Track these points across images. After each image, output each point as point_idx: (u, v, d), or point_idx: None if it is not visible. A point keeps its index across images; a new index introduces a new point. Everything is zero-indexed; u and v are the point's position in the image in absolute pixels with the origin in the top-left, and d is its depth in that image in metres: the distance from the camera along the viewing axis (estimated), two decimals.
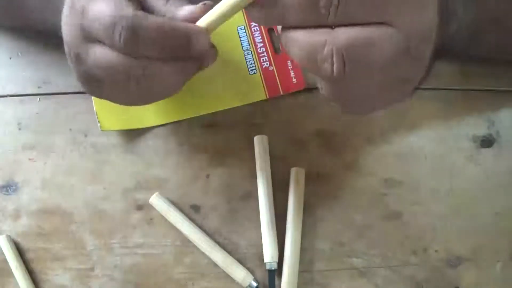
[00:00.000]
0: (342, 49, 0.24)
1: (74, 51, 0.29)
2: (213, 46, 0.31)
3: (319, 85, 0.29)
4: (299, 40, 0.25)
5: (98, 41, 0.28)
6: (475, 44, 0.39)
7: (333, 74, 0.25)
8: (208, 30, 0.28)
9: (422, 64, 0.27)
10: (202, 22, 0.28)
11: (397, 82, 0.27)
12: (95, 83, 0.30)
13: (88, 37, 0.28)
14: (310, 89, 0.43)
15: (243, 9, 0.27)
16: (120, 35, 0.26)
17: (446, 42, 0.31)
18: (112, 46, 0.27)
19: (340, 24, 0.24)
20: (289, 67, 0.43)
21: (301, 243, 0.39)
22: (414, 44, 0.25)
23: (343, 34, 0.24)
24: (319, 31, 0.25)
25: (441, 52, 0.29)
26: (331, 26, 0.25)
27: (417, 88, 0.29)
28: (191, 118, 0.43)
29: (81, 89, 0.42)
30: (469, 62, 0.42)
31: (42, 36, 0.41)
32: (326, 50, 0.24)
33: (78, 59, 0.29)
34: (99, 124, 0.42)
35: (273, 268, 0.38)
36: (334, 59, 0.24)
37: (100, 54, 0.28)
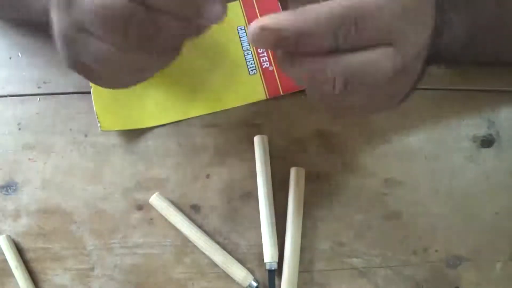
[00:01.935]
0: (346, 73, 0.24)
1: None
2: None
3: (306, 90, 0.29)
4: (302, 63, 0.25)
5: None
6: (471, 51, 0.39)
7: (332, 94, 0.25)
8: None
9: (412, 79, 0.28)
10: None
11: (388, 95, 0.28)
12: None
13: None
14: None
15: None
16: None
17: (439, 51, 0.31)
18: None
19: (347, 49, 0.24)
20: None
21: (301, 243, 0.39)
22: (409, 61, 0.25)
23: (348, 59, 0.24)
24: (325, 56, 0.24)
25: (433, 61, 0.29)
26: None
27: (405, 98, 0.30)
28: (191, 118, 0.43)
29: (81, 89, 0.43)
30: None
31: (43, 28, 0.41)
32: (329, 73, 0.24)
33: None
34: (99, 124, 0.42)
35: (273, 268, 0.38)
36: (336, 81, 0.24)
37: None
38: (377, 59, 0.24)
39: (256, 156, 0.41)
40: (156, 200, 0.40)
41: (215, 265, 0.39)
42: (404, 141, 0.42)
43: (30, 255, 0.40)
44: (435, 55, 0.29)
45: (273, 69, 0.43)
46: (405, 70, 0.26)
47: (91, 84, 0.42)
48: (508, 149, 0.41)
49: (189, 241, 0.40)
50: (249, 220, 0.41)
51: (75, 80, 0.43)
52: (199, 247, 0.39)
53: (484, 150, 0.42)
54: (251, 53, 0.43)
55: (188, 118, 0.43)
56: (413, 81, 0.28)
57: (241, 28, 0.44)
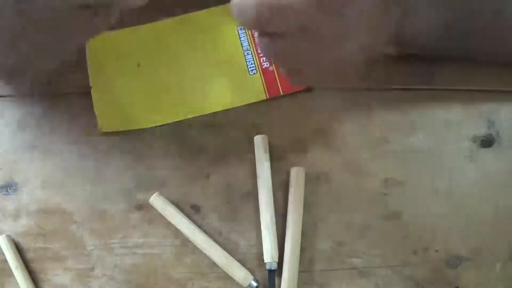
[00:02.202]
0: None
1: None
2: None
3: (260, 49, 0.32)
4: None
5: None
6: (467, 53, 0.40)
7: (256, 24, 0.29)
8: None
9: (343, 22, 0.29)
10: None
11: (329, 44, 0.30)
12: None
13: None
14: (310, 89, 0.43)
15: None
16: None
17: (421, 40, 0.34)
18: None
19: None
20: None
21: (301, 243, 0.39)
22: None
23: None
24: None
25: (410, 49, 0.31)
26: None
27: (359, 73, 0.31)
28: (191, 118, 0.43)
29: (81, 89, 0.43)
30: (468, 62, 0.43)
31: None
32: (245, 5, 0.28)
33: None
34: (99, 124, 0.42)
35: (273, 268, 0.38)
36: (254, 12, 0.28)
37: None
38: None
39: (256, 156, 0.41)
40: (156, 200, 0.40)
41: (215, 265, 0.39)
42: (404, 141, 0.42)
43: (30, 255, 0.40)
44: (413, 43, 0.29)
45: (273, 69, 0.43)
46: (325, 8, 0.27)
47: (91, 84, 0.42)
48: (508, 149, 0.41)
49: (189, 241, 0.40)
50: (249, 220, 0.41)
51: (75, 80, 0.43)
52: (199, 247, 0.39)
53: (484, 150, 0.42)
54: (251, 53, 0.43)
55: (188, 118, 0.43)
56: (352, 25, 0.30)
57: (241, 28, 0.44)
